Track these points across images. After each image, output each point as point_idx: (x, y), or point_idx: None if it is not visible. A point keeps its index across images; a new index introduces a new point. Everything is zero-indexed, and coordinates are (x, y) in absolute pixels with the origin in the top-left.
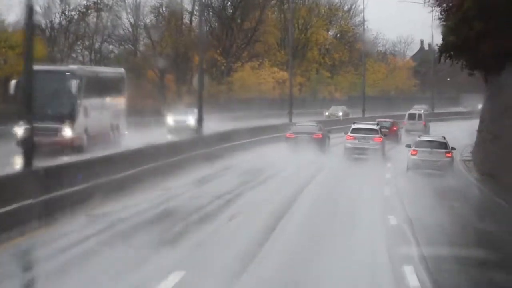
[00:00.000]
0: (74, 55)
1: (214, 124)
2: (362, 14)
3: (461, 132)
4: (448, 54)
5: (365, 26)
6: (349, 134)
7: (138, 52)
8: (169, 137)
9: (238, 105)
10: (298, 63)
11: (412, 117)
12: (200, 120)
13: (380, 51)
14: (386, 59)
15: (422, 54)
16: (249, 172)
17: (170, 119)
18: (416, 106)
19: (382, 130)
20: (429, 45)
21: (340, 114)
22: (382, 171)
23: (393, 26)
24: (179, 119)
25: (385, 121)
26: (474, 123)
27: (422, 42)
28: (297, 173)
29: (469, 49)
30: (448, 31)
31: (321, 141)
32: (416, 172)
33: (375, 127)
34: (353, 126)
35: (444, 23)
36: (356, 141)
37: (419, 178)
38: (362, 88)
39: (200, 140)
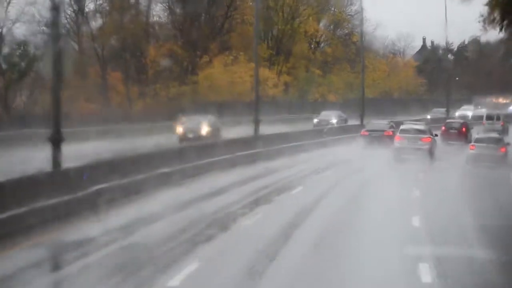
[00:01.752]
0: None
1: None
2: (359, 1)
3: None
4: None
5: (364, 16)
6: (398, 134)
7: (77, 45)
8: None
9: (206, 110)
10: (283, 59)
11: (490, 117)
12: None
13: (379, 48)
14: (386, 57)
15: (425, 52)
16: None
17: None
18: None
19: (451, 131)
20: (432, 42)
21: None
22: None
23: (391, 24)
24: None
25: (454, 122)
26: None
27: (424, 39)
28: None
29: None
30: None
31: (392, 138)
32: (473, 165)
33: (423, 127)
34: (401, 127)
35: None
36: (405, 142)
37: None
38: (361, 87)
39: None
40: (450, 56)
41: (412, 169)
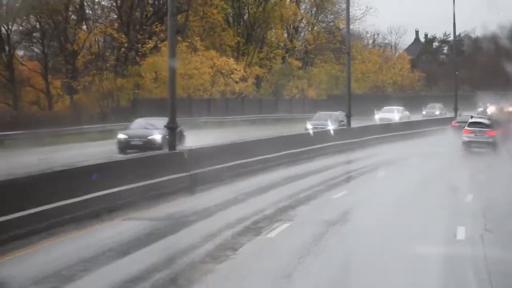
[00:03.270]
0: None
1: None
2: None
3: None
4: None
5: None
6: (466, 128)
7: None
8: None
9: (151, 109)
10: (254, 48)
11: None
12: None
13: (369, 36)
14: (378, 46)
15: (419, 44)
16: None
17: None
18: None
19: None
20: (426, 35)
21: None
22: None
23: (382, 17)
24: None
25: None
26: None
27: (417, 32)
28: None
29: None
30: None
31: None
32: None
33: (488, 121)
34: (470, 120)
35: None
36: (473, 135)
37: None
38: (347, 79)
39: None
40: (447, 49)
41: None
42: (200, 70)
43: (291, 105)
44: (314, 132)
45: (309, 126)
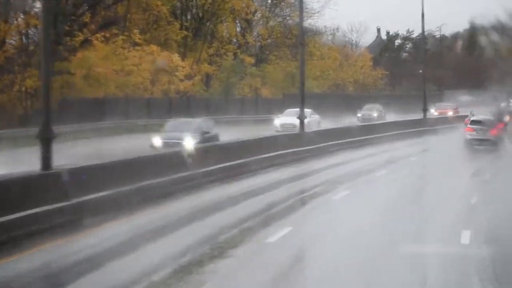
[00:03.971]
0: None
1: None
2: None
3: None
4: None
5: None
6: (469, 126)
7: None
8: None
9: (81, 110)
10: (202, 43)
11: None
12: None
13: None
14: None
15: (380, 43)
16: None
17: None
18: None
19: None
20: (388, 32)
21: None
22: None
23: (342, 13)
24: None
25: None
26: None
27: (379, 30)
28: None
29: None
30: None
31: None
32: None
33: (491, 119)
34: (472, 118)
35: None
36: (475, 133)
37: None
38: (300, 75)
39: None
40: (410, 47)
41: None
42: (140, 66)
43: (243, 106)
44: (256, 139)
45: (156, 141)
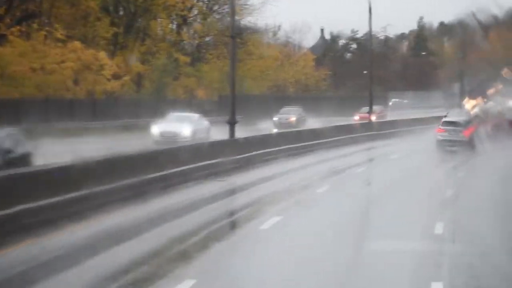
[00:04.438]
0: None
1: None
2: None
3: None
4: None
5: None
6: (440, 127)
7: None
8: None
9: None
10: (134, 40)
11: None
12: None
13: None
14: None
15: (324, 44)
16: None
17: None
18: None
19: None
20: (331, 33)
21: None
22: None
23: (284, 15)
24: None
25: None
26: None
27: (322, 30)
28: None
29: None
30: None
31: None
32: None
33: (463, 120)
34: (443, 119)
35: None
36: (446, 134)
37: None
38: (230, 78)
39: None
40: (354, 47)
41: None
42: (62, 64)
43: (176, 108)
44: (171, 149)
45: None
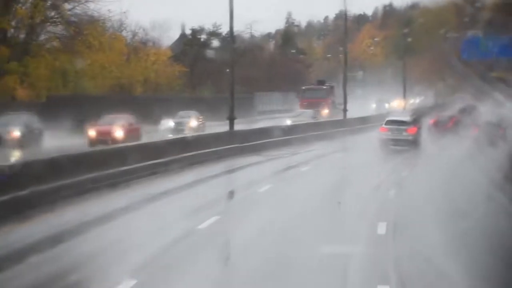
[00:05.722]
0: None
1: None
2: None
3: None
4: None
5: None
6: (383, 126)
7: None
8: None
9: None
10: None
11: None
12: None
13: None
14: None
15: (183, 39)
16: None
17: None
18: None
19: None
20: (193, 30)
21: None
22: None
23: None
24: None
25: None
26: None
27: (183, 26)
28: None
29: None
30: None
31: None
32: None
33: (407, 119)
34: (387, 118)
35: None
36: (389, 133)
37: None
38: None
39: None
40: (217, 43)
41: None
42: None
43: None
44: None
45: None
